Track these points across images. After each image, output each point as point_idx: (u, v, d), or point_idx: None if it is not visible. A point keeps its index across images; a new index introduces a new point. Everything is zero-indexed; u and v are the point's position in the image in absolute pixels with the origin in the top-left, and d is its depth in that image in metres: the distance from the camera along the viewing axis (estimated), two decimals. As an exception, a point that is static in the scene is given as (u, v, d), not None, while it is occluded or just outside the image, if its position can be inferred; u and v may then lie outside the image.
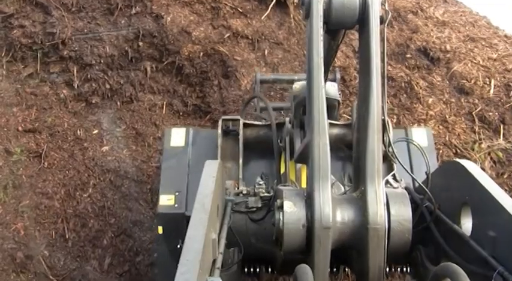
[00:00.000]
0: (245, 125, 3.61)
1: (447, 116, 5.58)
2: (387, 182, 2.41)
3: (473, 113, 5.61)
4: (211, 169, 2.41)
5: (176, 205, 3.47)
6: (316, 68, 2.24)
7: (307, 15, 2.27)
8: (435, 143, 5.14)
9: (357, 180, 2.35)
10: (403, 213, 2.26)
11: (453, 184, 2.45)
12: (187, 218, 3.32)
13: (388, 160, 2.83)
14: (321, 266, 2.16)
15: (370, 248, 2.17)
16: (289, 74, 5.55)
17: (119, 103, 5.65)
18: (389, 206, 2.24)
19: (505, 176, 5.21)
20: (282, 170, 3.47)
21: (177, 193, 3.50)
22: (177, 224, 3.29)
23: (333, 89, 3.17)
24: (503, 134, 5.49)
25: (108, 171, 5.19)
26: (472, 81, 5.84)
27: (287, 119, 3.52)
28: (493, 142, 5.44)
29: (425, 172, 2.49)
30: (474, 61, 6.04)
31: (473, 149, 5.35)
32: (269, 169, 3.58)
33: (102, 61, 5.62)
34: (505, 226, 1.98)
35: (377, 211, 2.17)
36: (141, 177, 5.12)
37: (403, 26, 6.24)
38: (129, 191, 5.07)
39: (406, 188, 2.49)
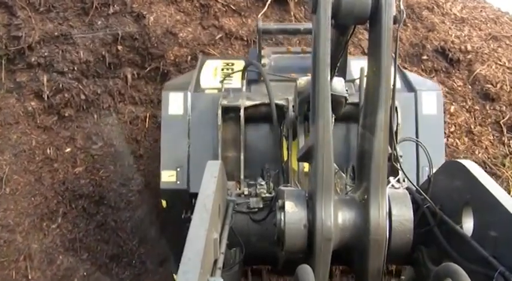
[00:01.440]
0: (246, 109, 3.52)
1: (472, 126, 4.93)
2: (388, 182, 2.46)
3: (501, 122, 5.04)
4: (213, 169, 2.44)
5: (178, 182, 3.49)
6: (322, 65, 2.16)
7: (315, 9, 2.13)
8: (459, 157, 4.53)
9: (360, 180, 2.37)
10: (404, 213, 2.31)
11: (454, 184, 2.49)
12: (190, 194, 3.39)
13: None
14: (322, 270, 2.23)
15: (370, 254, 2.25)
16: (294, 23, 5.17)
17: (95, 116, 5.01)
18: (391, 206, 2.30)
19: (542, 196, 4.53)
20: (285, 157, 3.50)
21: (178, 169, 3.50)
22: (181, 198, 3.43)
23: (339, 84, 3.04)
24: (537, 145, 4.84)
25: (81, 197, 4.61)
26: (498, 85, 5.27)
27: (290, 104, 3.44)
28: (525, 156, 4.77)
29: (428, 176, 2.58)
30: (499, 63, 5.48)
31: (504, 165, 4.69)
32: (272, 152, 3.58)
33: (75, 68, 5.01)
34: (506, 226, 2.03)
35: (379, 223, 2.21)
36: (119, 203, 4.49)
37: (417, 24, 5.65)
38: (105, 220, 4.45)
39: (408, 188, 2.55)
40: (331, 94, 2.26)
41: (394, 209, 2.29)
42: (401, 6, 2.10)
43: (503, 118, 5.02)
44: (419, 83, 3.81)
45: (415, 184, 2.60)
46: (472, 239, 2.20)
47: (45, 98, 4.94)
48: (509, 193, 4.51)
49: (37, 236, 4.25)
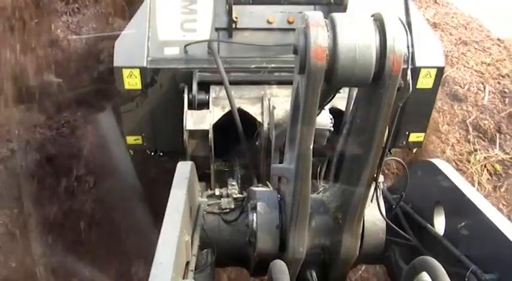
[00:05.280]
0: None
1: (440, 125, 5.22)
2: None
3: (467, 121, 5.29)
4: (183, 170, 2.36)
5: (145, 144, 3.38)
6: (307, 120, 1.81)
7: (302, 71, 1.70)
8: (429, 155, 4.80)
9: (335, 181, 2.28)
10: (376, 213, 2.23)
11: (426, 183, 2.45)
12: (159, 154, 3.38)
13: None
14: (292, 270, 2.20)
15: (339, 265, 2.28)
16: None
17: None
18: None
19: (502, 190, 4.85)
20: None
21: (143, 134, 3.34)
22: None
23: (324, 116, 2.76)
24: (500, 144, 5.16)
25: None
26: (466, 87, 5.57)
27: (265, 122, 3.02)
28: (489, 153, 5.09)
29: (405, 176, 2.38)
30: (467, 66, 5.80)
31: (469, 161, 4.99)
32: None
33: None
34: (477, 224, 2.03)
35: (351, 247, 2.21)
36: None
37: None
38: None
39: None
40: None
41: (366, 209, 2.20)
42: (409, 76, 1.72)
43: (469, 117, 5.28)
44: None
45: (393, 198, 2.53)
46: (444, 239, 2.19)
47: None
48: (473, 186, 4.86)
49: None
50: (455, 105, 5.39)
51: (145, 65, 3.07)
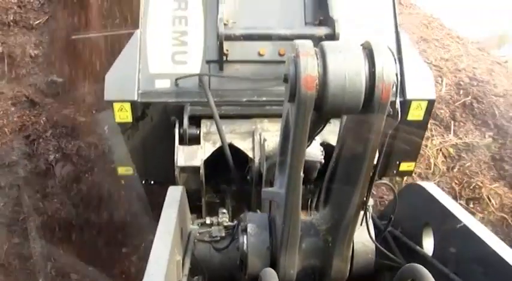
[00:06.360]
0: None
1: (401, 114, 5.77)
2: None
3: None
4: (174, 194, 2.35)
5: (136, 174, 3.36)
6: (297, 148, 1.81)
7: (292, 99, 1.71)
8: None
9: (325, 203, 2.28)
10: (366, 236, 2.24)
11: (415, 205, 2.45)
12: (150, 183, 3.33)
13: None
14: None
15: None
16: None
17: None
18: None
19: (455, 170, 5.45)
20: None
21: (134, 165, 3.32)
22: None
23: (315, 148, 2.73)
24: (454, 130, 5.75)
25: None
26: None
27: (256, 158, 2.98)
28: (444, 138, 5.68)
29: (394, 200, 2.45)
30: (427, 61, 6.25)
31: (426, 146, 5.57)
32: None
33: None
34: (465, 241, 2.02)
35: (341, 270, 2.21)
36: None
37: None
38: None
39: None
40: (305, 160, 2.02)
41: (356, 231, 2.18)
42: (398, 105, 1.72)
43: None
44: None
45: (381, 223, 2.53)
46: (434, 259, 2.20)
47: None
48: (429, 169, 5.43)
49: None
50: (415, 96, 5.97)
51: (136, 98, 3.04)
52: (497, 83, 6.18)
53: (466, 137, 5.70)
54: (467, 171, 5.45)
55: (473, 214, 5.15)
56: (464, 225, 2.04)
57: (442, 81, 6.13)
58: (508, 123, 5.76)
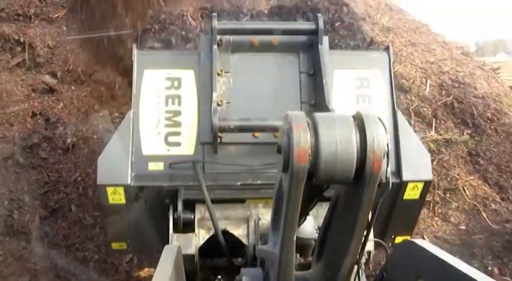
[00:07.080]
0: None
1: (387, 111, 6.26)
2: None
3: (410, 108, 6.14)
4: (170, 252, 2.35)
5: (130, 249, 3.37)
6: (290, 219, 1.84)
7: (285, 169, 1.75)
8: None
9: (319, 257, 2.27)
10: None
11: (408, 261, 2.43)
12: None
13: None
14: None
15: None
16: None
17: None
18: None
19: (435, 163, 5.88)
20: None
21: (128, 241, 3.30)
22: None
23: (308, 226, 2.67)
24: (435, 127, 6.15)
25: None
26: (411, 81, 6.40)
27: (250, 244, 2.97)
28: (426, 134, 6.16)
29: (381, 270, 2.54)
30: (413, 63, 6.68)
31: (408, 140, 6.06)
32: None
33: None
34: None
35: None
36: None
37: (350, 31, 6.86)
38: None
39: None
40: (299, 238, 2.10)
41: None
42: (389, 173, 1.78)
43: (412, 105, 6.18)
44: None
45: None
46: None
47: None
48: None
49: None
50: (401, 96, 6.22)
51: (129, 182, 2.99)
52: (478, 86, 6.62)
53: (446, 133, 6.10)
54: (445, 164, 5.85)
55: (449, 202, 5.70)
56: (459, 270, 2.01)
57: (426, 82, 6.59)
58: (484, 123, 6.20)
